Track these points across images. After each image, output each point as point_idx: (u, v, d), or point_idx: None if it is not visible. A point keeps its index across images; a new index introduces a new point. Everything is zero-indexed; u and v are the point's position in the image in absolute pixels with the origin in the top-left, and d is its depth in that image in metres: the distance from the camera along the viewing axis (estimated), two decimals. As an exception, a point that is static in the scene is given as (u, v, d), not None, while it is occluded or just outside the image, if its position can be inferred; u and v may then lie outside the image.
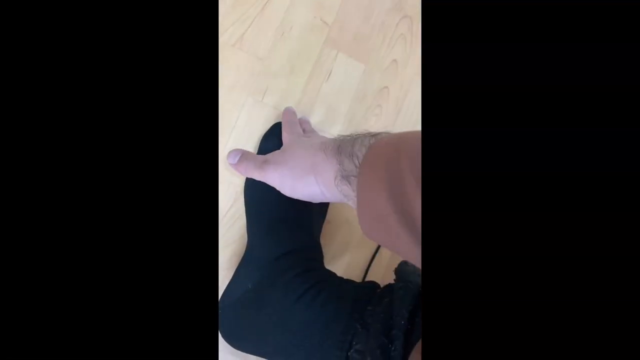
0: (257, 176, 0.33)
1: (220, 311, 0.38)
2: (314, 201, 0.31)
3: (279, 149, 0.40)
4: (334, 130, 0.45)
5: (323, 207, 0.42)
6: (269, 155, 0.34)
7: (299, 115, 0.42)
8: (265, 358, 0.36)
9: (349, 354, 0.29)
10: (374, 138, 0.27)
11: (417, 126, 0.47)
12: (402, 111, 0.47)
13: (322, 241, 0.42)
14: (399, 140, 0.25)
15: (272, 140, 0.41)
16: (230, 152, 0.35)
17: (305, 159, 0.30)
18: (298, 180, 0.30)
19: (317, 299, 0.33)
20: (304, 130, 0.39)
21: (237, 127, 0.42)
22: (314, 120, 0.44)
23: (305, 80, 0.44)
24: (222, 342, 0.39)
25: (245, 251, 0.39)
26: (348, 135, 0.30)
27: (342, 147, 0.28)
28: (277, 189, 0.32)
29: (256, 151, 0.42)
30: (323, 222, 0.42)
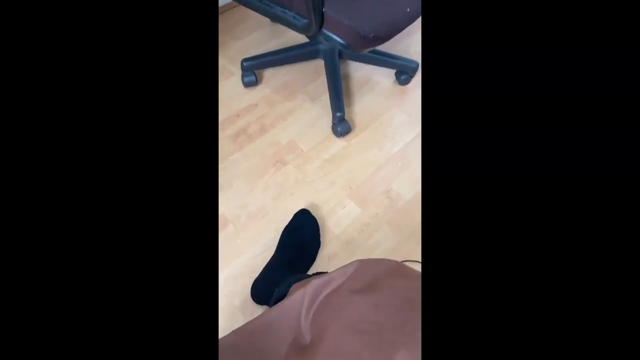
0: None
1: (253, 284, 0.83)
2: None
3: (300, 220, 0.91)
4: (337, 230, 0.93)
5: (313, 255, 0.88)
6: None
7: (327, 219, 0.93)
8: (269, 304, 0.78)
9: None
10: None
11: (378, 247, 0.91)
12: (374, 236, 0.93)
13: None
14: None
15: (298, 215, 0.90)
16: None
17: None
18: None
19: (289, 275, 0.76)
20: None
21: (293, 210, 0.94)
22: (328, 225, 0.94)
23: (331, 207, 0.96)
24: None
25: (270, 259, 0.86)
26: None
27: None
28: None
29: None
30: (311, 264, 0.87)
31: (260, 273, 0.85)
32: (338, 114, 1.04)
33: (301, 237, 0.88)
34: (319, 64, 1.21)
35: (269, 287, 0.79)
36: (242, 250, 0.89)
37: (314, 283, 0.51)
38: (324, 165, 1.03)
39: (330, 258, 0.89)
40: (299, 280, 0.70)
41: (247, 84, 1.16)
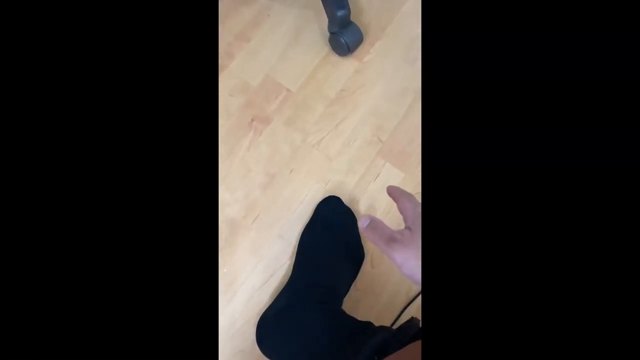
0: (381, 248, 0.32)
1: (260, 322, 0.52)
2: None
3: (327, 214, 0.55)
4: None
5: (355, 270, 0.55)
6: (398, 234, 0.32)
7: (351, 205, 0.57)
8: None
9: None
10: None
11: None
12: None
13: (347, 305, 0.54)
14: None
15: (324, 207, 0.56)
16: (362, 218, 0.36)
17: None
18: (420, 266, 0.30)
19: (331, 325, 0.45)
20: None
21: (304, 202, 0.59)
22: (360, 208, 0.59)
23: (358, 179, 0.60)
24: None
25: (288, 280, 0.53)
26: None
27: None
28: (397, 266, 0.31)
29: (312, 212, 0.57)
30: (352, 281, 0.55)
31: (271, 305, 0.53)
32: (339, 13, 0.59)
33: (332, 243, 0.54)
34: None
35: (287, 332, 0.48)
36: (235, 285, 0.56)
37: None
38: (330, 109, 0.63)
39: (374, 262, 0.57)
40: (381, 350, 0.38)
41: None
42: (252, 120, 0.62)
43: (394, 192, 0.36)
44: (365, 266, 0.57)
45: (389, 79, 0.64)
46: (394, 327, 0.55)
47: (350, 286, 0.55)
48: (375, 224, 0.34)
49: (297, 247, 0.56)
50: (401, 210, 0.33)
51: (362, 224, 0.35)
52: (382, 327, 0.42)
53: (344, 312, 0.49)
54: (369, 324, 0.44)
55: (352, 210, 0.57)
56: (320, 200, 0.57)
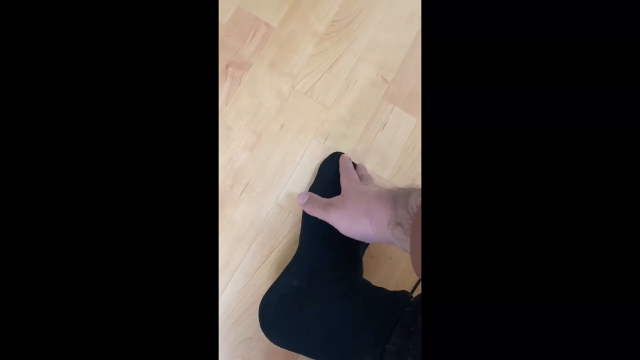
0: (320, 216, 0.38)
1: (263, 304, 0.43)
2: (365, 241, 0.36)
3: (335, 175, 0.46)
4: (384, 175, 0.50)
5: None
6: (332, 199, 0.39)
7: (357, 161, 0.48)
8: (301, 352, 0.40)
9: (386, 346, 0.32)
10: None
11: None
12: (448, 163, 0.51)
13: (364, 276, 0.47)
14: None
15: (329, 167, 0.47)
16: (300, 195, 0.42)
17: (361, 204, 0.35)
18: (354, 222, 0.35)
19: (357, 297, 0.37)
20: (360, 177, 0.44)
21: (301, 163, 0.49)
22: (368, 166, 0.50)
23: (363, 129, 0.50)
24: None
25: (295, 252, 0.45)
26: (402, 188, 0.34)
27: (397, 198, 0.33)
28: (335, 227, 0.37)
29: (314, 176, 0.48)
30: (367, 245, 0.47)
31: (277, 283, 0.45)
32: None
33: None
34: None
35: (300, 323, 0.41)
36: (230, 267, 0.47)
37: None
38: (321, 46, 0.51)
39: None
40: None
41: None
42: (227, 66, 0.50)
43: (341, 165, 0.44)
44: (379, 231, 0.48)
45: (390, 2, 0.52)
46: (414, 293, 0.49)
47: (363, 254, 0.47)
48: (312, 197, 0.41)
49: (302, 215, 0.47)
50: (341, 184, 0.41)
51: (300, 201, 0.41)
52: None
53: (369, 284, 0.41)
54: (406, 295, 0.37)
55: (362, 167, 0.48)
56: (324, 158, 0.48)
